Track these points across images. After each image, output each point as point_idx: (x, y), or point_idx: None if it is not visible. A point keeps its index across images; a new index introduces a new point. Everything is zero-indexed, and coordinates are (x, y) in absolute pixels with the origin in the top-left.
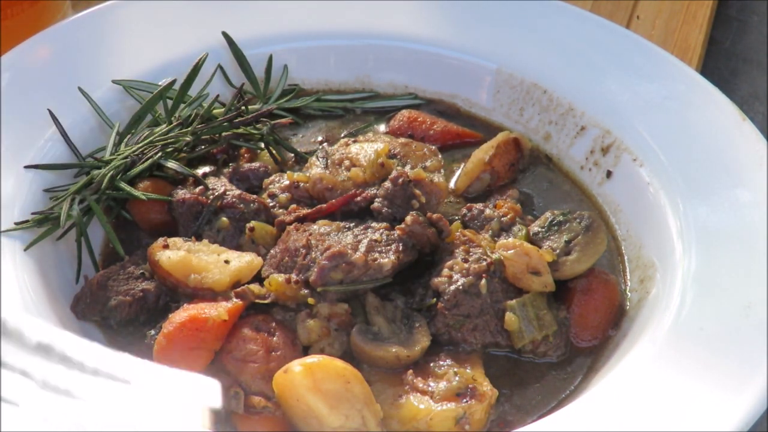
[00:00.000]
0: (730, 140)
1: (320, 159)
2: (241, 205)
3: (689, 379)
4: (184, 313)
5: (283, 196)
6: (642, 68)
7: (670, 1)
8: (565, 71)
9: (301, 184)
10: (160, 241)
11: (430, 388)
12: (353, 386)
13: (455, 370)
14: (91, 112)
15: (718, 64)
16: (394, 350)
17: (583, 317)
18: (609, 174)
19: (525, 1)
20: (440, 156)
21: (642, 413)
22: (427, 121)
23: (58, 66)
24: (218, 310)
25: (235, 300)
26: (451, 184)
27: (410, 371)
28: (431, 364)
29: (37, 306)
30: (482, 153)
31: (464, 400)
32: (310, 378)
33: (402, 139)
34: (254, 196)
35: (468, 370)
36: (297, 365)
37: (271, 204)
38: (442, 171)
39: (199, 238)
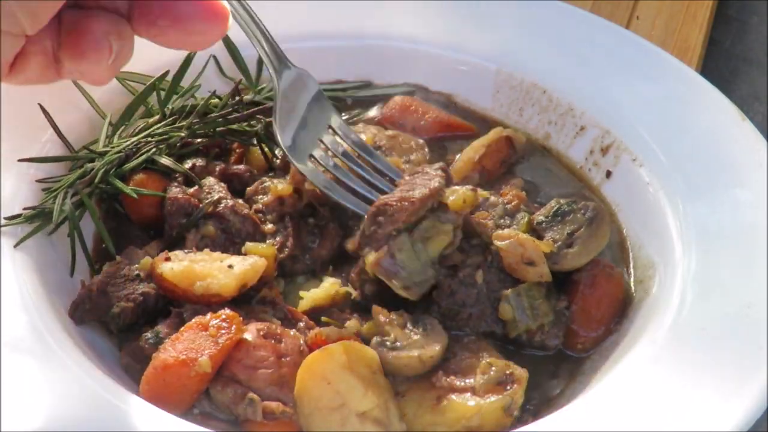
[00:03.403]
0: (730, 140)
1: None
2: (232, 218)
3: (689, 378)
4: (169, 356)
5: (271, 217)
6: (642, 68)
7: (670, 1)
8: (564, 71)
9: (287, 200)
10: (162, 255)
11: (468, 384)
12: (379, 377)
13: (486, 360)
14: (89, 113)
15: (718, 64)
16: (416, 354)
17: (585, 311)
18: (608, 174)
19: (525, 1)
20: (426, 150)
21: (642, 413)
22: (419, 110)
23: None
24: (203, 360)
25: (227, 335)
26: None
27: (440, 373)
28: (452, 362)
29: (36, 305)
30: (473, 152)
31: (507, 388)
32: (347, 356)
33: (390, 132)
34: (246, 211)
35: (487, 357)
36: (335, 344)
37: (262, 220)
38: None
39: (182, 239)
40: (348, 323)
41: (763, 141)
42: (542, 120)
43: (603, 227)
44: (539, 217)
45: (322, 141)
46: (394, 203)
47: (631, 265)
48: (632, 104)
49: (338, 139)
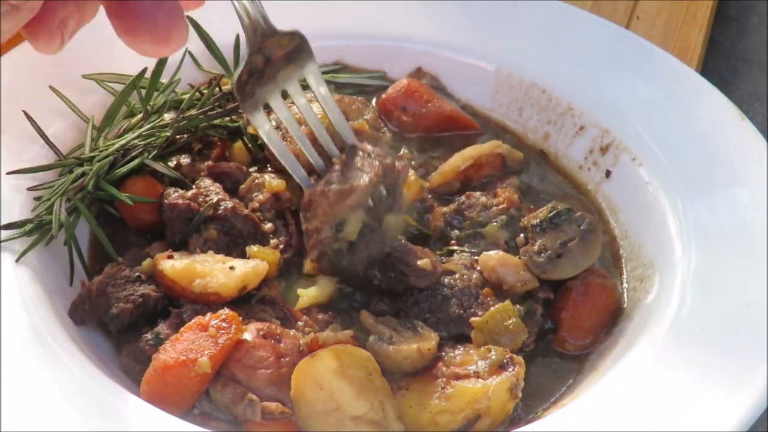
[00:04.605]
0: (730, 140)
1: (275, 131)
2: (233, 220)
3: (689, 378)
4: (169, 357)
5: (270, 214)
6: (642, 68)
7: (670, 1)
8: (564, 71)
9: (282, 195)
10: (165, 253)
11: (471, 370)
12: (375, 378)
13: (486, 347)
14: (90, 112)
15: (718, 64)
16: (415, 346)
17: (575, 319)
18: (608, 173)
19: (525, 1)
20: (371, 106)
21: (642, 413)
22: (424, 96)
23: (58, 66)
24: (202, 360)
25: (226, 335)
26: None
27: (440, 364)
28: (448, 356)
29: (36, 306)
30: (461, 160)
31: (510, 369)
32: (337, 362)
33: (335, 96)
34: (246, 212)
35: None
36: (325, 350)
37: (260, 218)
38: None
39: (185, 244)
40: (332, 326)
41: (763, 141)
42: (541, 119)
43: (596, 243)
44: (534, 219)
45: (285, 92)
46: (315, 198)
47: (624, 275)
48: (632, 104)
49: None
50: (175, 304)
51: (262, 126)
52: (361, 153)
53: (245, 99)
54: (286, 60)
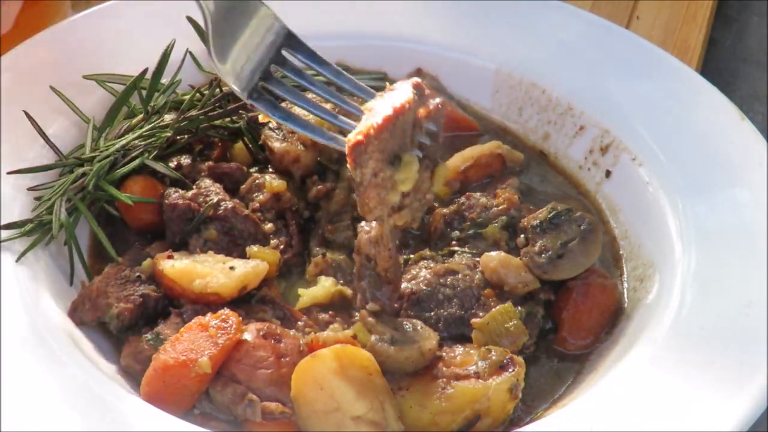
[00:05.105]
0: (730, 140)
1: (275, 131)
2: (233, 220)
3: (689, 378)
4: (169, 357)
5: (270, 215)
6: (642, 68)
7: (670, 1)
8: (564, 71)
9: (283, 195)
10: (164, 253)
11: (471, 370)
12: (375, 378)
13: (486, 347)
14: (91, 112)
15: (718, 64)
16: (416, 347)
17: (576, 319)
18: (608, 173)
19: (525, 1)
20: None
21: (642, 413)
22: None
23: (58, 66)
24: (202, 361)
25: (227, 335)
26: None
27: (440, 364)
28: (448, 356)
29: (36, 306)
30: (461, 161)
31: (510, 370)
32: (338, 362)
33: (329, 104)
34: (246, 212)
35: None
36: (325, 350)
37: (261, 219)
38: None
39: (185, 244)
40: (332, 326)
41: (763, 141)
42: (541, 119)
43: (596, 243)
44: (534, 220)
45: (276, 67)
46: (362, 138)
47: (625, 275)
48: (632, 104)
49: (293, 60)
50: (175, 304)
51: (268, 107)
52: (384, 92)
53: (241, 84)
54: (254, 32)
